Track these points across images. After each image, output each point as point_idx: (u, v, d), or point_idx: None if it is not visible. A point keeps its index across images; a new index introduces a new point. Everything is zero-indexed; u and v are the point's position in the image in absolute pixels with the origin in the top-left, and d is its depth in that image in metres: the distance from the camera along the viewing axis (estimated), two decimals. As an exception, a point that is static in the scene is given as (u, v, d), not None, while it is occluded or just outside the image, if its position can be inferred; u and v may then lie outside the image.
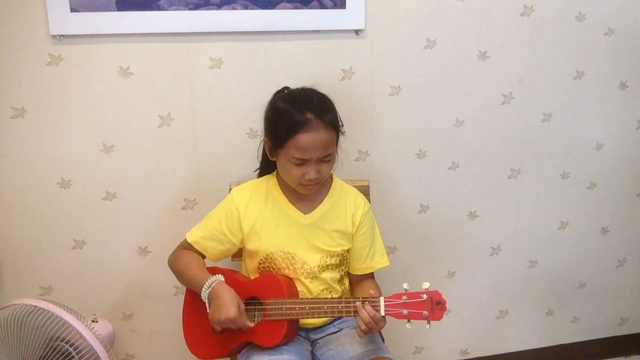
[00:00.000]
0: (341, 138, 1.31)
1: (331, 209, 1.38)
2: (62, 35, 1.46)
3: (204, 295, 1.28)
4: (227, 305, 1.23)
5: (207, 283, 1.28)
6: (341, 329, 1.41)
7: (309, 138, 1.23)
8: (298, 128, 1.23)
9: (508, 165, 1.87)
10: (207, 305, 1.28)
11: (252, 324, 1.28)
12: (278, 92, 1.36)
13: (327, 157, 1.28)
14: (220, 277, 1.30)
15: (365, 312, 1.21)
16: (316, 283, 1.36)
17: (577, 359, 2.13)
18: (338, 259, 1.38)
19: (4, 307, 1.23)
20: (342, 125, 1.34)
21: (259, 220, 1.36)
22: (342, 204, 1.39)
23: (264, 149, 1.38)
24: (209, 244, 1.38)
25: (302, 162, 1.26)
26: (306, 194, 1.33)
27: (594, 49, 1.82)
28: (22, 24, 1.44)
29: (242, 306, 1.26)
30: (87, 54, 1.50)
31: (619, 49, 1.84)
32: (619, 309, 2.13)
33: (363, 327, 1.21)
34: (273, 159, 1.34)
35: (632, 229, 2.05)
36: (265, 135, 1.34)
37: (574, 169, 1.92)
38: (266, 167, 1.44)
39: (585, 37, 1.80)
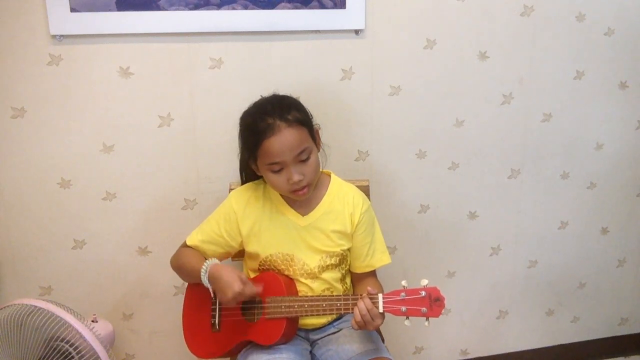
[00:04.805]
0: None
1: (329, 210, 1.37)
2: (62, 35, 1.46)
3: (204, 281, 1.28)
4: (229, 283, 1.23)
5: (202, 269, 1.28)
6: (340, 330, 1.40)
7: (275, 141, 1.23)
8: (262, 135, 1.23)
9: (508, 165, 1.87)
10: (210, 291, 1.28)
11: (261, 289, 1.28)
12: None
13: (304, 155, 1.26)
14: (214, 260, 1.30)
15: (363, 303, 1.20)
16: (317, 283, 1.36)
17: (577, 359, 2.13)
18: (338, 258, 1.38)
19: (4, 307, 1.22)
20: (312, 117, 1.33)
21: (257, 222, 1.36)
22: (340, 204, 1.38)
23: (240, 162, 1.40)
24: (209, 247, 1.38)
25: (279, 168, 1.26)
26: (301, 199, 1.33)
27: (594, 49, 1.82)
28: (22, 24, 1.44)
29: (244, 276, 1.26)
30: (87, 54, 1.50)
31: (619, 49, 1.84)
32: (619, 309, 2.13)
33: (358, 318, 1.20)
34: (260, 175, 1.35)
35: (632, 229, 2.04)
36: (240, 152, 1.35)
37: (574, 169, 1.92)
38: (248, 177, 1.43)
39: (585, 37, 1.80)
